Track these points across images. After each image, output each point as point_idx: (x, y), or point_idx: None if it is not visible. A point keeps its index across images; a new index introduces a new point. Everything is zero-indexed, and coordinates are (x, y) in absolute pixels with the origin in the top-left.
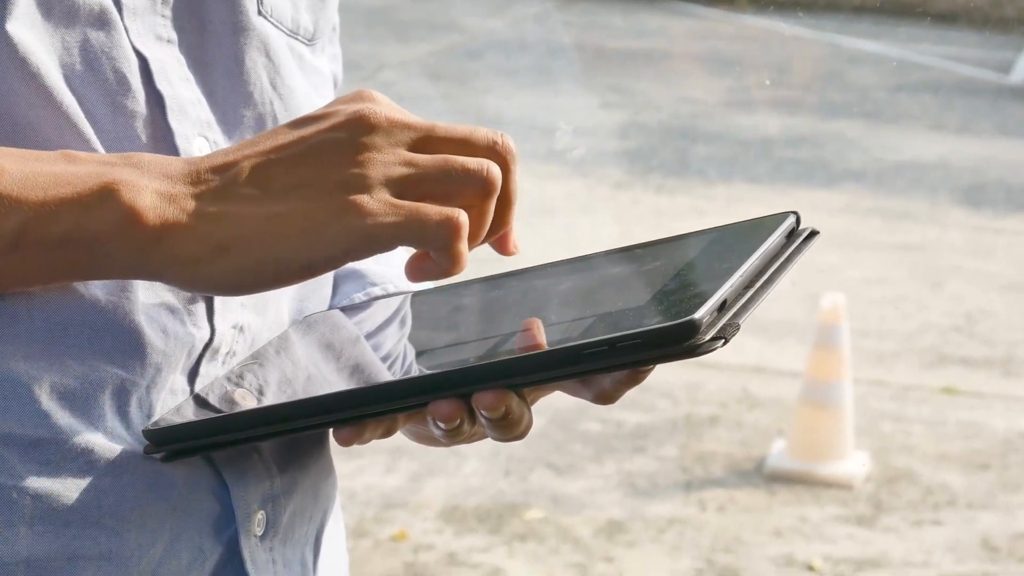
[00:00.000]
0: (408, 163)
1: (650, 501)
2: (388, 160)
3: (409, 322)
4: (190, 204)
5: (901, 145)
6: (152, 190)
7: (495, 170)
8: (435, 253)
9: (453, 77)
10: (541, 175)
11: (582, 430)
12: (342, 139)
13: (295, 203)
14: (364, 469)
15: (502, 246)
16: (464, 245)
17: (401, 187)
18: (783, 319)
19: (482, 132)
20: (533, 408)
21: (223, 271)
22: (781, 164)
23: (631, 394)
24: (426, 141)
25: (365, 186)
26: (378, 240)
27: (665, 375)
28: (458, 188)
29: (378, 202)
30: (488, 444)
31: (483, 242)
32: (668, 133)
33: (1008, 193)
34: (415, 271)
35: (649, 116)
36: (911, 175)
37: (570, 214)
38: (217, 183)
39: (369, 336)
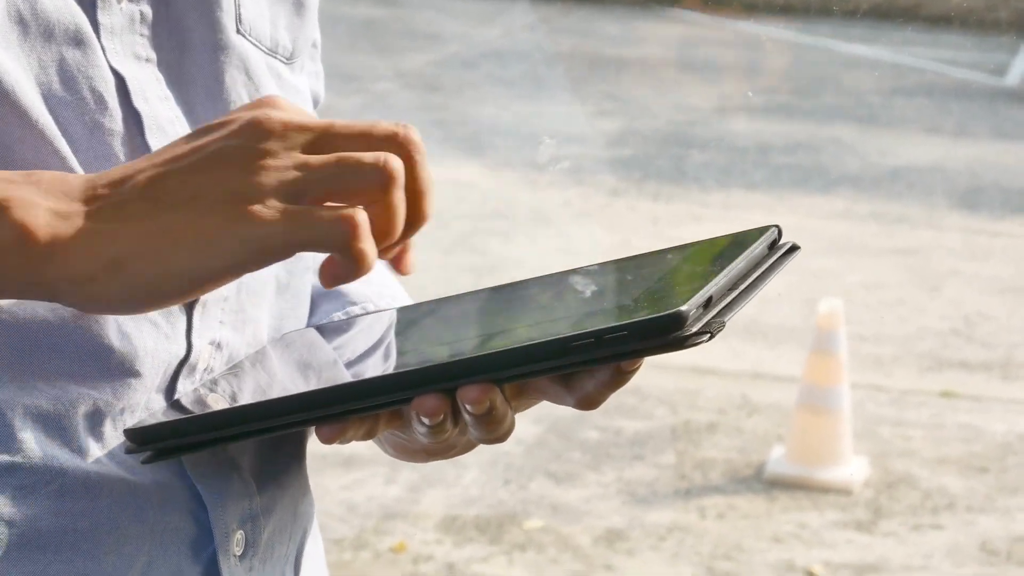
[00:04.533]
0: (302, 166)
1: (649, 509)
2: (282, 165)
3: (394, 355)
4: (84, 221)
5: (897, 149)
6: (45, 208)
7: (393, 161)
8: (338, 255)
9: (448, 87)
10: (537, 183)
11: (581, 438)
12: (236, 147)
13: (187, 215)
14: (364, 480)
15: (399, 263)
16: (367, 244)
17: (296, 191)
18: (781, 324)
19: (382, 125)
20: (530, 418)
21: (118, 288)
22: (777, 170)
23: (629, 402)
24: (324, 141)
25: (258, 194)
26: (271, 249)
27: (663, 382)
28: (355, 184)
29: (270, 209)
30: (487, 453)
31: (404, 237)
32: (664, 140)
33: (1004, 195)
34: (326, 276)
35: (644, 123)
36: (907, 179)
37: (566, 222)
38: (112, 198)
39: (350, 365)
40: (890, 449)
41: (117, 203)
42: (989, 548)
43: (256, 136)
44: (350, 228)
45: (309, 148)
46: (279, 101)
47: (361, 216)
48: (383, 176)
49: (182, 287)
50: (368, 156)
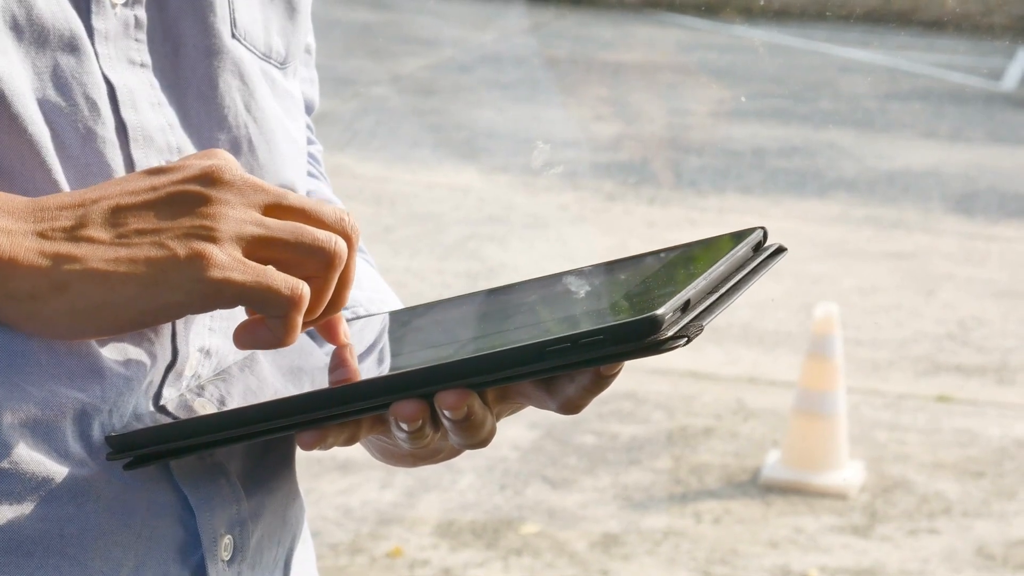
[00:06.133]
0: (259, 224)
1: (645, 513)
2: (240, 217)
3: (385, 359)
4: (29, 241)
5: (893, 153)
6: None
7: (343, 245)
8: (271, 320)
9: (444, 91)
10: (534, 188)
11: (577, 443)
12: (195, 191)
13: (141, 249)
14: (360, 485)
15: (332, 335)
16: (300, 317)
17: (250, 246)
18: (777, 329)
19: (330, 208)
20: (526, 423)
21: (60, 311)
22: (773, 174)
23: (625, 406)
24: (276, 208)
25: (215, 238)
26: (221, 294)
27: (659, 387)
28: (306, 257)
29: (227, 256)
30: (483, 459)
31: (317, 320)
32: (660, 144)
33: (1000, 200)
34: (245, 338)
35: (641, 128)
36: (903, 183)
37: (563, 226)
38: (63, 223)
39: None
40: (886, 454)
41: (69, 228)
42: (985, 553)
43: (215, 184)
44: (297, 300)
45: (263, 210)
46: (228, 156)
47: (307, 291)
48: (331, 257)
49: (123, 317)
50: (323, 234)
